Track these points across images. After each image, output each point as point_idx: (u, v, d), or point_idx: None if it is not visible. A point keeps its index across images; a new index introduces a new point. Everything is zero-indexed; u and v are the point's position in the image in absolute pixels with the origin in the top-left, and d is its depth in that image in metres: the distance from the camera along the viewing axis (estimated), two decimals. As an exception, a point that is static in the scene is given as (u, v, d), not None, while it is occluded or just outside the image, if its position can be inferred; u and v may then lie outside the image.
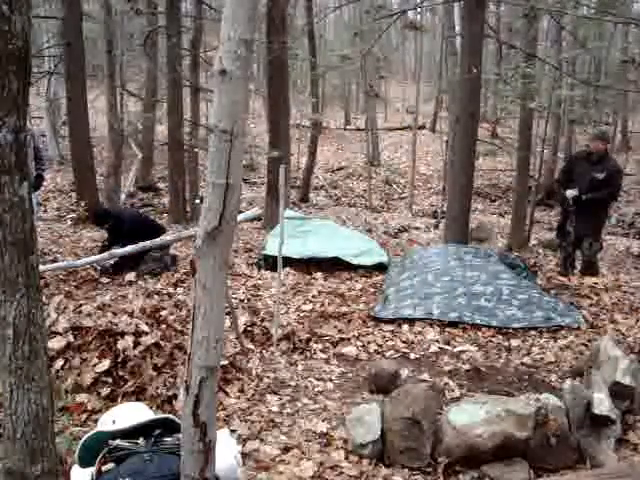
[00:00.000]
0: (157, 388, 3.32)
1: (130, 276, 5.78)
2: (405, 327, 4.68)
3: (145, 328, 3.60)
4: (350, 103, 27.14)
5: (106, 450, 2.09)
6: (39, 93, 16.46)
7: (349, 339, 4.47)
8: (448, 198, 8.01)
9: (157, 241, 5.94)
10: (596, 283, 5.55)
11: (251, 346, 4.18)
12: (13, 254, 1.80)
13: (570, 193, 5.94)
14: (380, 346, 4.39)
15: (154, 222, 7.11)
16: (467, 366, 4.01)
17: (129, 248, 5.76)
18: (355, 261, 6.45)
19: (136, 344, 3.47)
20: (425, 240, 9.75)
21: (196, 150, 10.84)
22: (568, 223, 6.14)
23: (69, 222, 9.82)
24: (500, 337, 4.53)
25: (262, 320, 4.65)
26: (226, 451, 2.32)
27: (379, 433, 3.00)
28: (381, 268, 6.41)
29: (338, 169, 17.70)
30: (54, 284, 5.46)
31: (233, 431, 3.07)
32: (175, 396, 3.27)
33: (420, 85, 17.65)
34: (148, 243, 5.78)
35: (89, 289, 5.46)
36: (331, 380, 3.85)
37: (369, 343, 4.43)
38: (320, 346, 4.33)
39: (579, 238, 6.08)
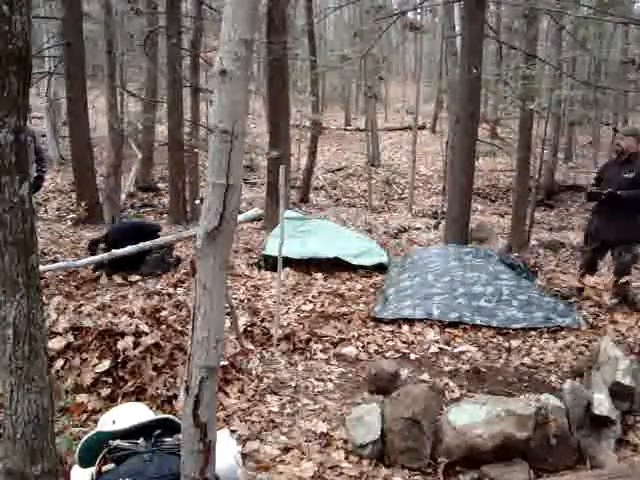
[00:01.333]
0: (157, 388, 3.31)
1: (132, 278, 5.79)
2: (405, 327, 4.68)
3: (145, 328, 3.60)
4: (350, 103, 27.15)
5: (106, 450, 2.09)
6: (39, 93, 16.46)
7: (349, 339, 4.47)
8: (448, 198, 8.01)
9: (157, 241, 5.93)
10: (597, 283, 5.54)
11: (251, 346, 4.18)
12: (13, 254, 1.80)
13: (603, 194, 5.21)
14: (380, 346, 4.39)
15: (149, 225, 7.11)
16: (467, 366, 4.01)
17: (129, 248, 5.75)
18: (355, 261, 6.45)
19: (136, 344, 3.47)
20: (425, 240, 9.75)
21: (196, 150, 10.84)
22: (592, 226, 5.54)
23: (69, 222, 9.82)
24: (500, 338, 4.53)
25: (262, 320, 4.65)
26: (226, 451, 2.32)
27: (379, 433, 3.00)
28: (381, 268, 6.41)
29: (338, 169, 17.70)
30: (54, 284, 5.46)
31: (233, 431, 3.07)
32: (175, 396, 3.27)
33: (420, 85, 17.65)
34: (148, 243, 5.77)
35: (89, 289, 5.46)
36: (331, 380, 3.85)
37: (369, 343, 4.43)
38: (320, 346, 4.33)
39: (606, 244, 5.49)
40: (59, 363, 3.40)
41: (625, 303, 5.19)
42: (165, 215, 10.90)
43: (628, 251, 5.29)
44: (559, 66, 10.45)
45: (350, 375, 3.95)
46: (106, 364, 3.36)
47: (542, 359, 4.13)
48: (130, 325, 3.59)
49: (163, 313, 3.97)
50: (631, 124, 20.44)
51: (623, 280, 5.25)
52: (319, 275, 6.13)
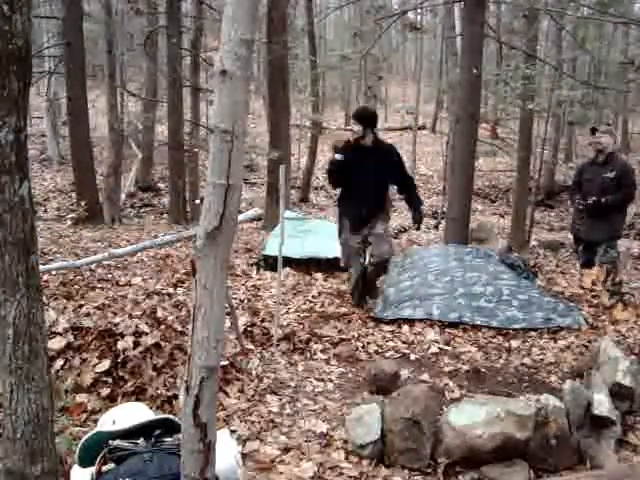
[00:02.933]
0: (157, 388, 3.31)
1: None
2: (405, 327, 4.68)
3: (145, 328, 3.60)
4: (350, 103, 27.15)
5: (106, 450, 2.09)
6: (39, 93, 16.47)
7: (349, 339, 4.47)
8: (448, 198, 8.02)
9: (157, 241, 5.93)
10: (595, 284, 5.55)
11: (251, 346, 4.18)
12: (13, 254, 1.80)
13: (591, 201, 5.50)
14: (380, 347, 4.39)
15: None
16: (467, 367, 4.00)
17: (129, 248, 5.76)
18: (355, 261, 6.44)
19: (136, 344, 3.47)
20: (425, 241, 9.76)
21: (196, 150, 10.86)
22: (579, 227, 5.78)
23: (69, 222, 9.83)
24: (500, 338, 4.52)
25: (262, 320, 4.64)
26: (226, 451, 2.31)
27: (379, 434, 3.00)
28: (381, 268, 6.40)
29: (338, 169, 17.67)
30: (54, 284, 5.45)
31: (233, 431, 3.07)
32: (175, 396, 3.27)
33: (420, 85, 17.66)
34: (148, 243, 5.77)
35: (88, 289, 5.46)
36: (331, 380, 3.85)
37: (369, 344, 4.43)
38: (320, 346, 4.33)
39: (593, 243, 5.70)
40: (59, 363, 3.40)
41: (622, 302, 5.25)
42: (165, 215, 10.90)
43: (613, 247, 5.64)
44: (559, 66, 10.45)
45: (350, 375, 3.95)
46: (106, 364, 3.36)
47: (542, 359, 4.12)
48: (130, 325, 3.59)
49: (163, 313, 3.97)
50: (631, 124, 20.47)
51: (617, 280, 5.42)
52: (319, 275, 6.13)
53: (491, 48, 14.16)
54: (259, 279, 5.97)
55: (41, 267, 4.27)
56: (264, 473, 2.81)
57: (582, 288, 5.47)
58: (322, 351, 4.27)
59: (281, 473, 2.81)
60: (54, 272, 5.65)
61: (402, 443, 2.96)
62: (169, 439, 2.13)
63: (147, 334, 3.56)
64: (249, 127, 17.59)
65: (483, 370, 3.95)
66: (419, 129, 17.40)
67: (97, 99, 12.47)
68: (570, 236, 7.09)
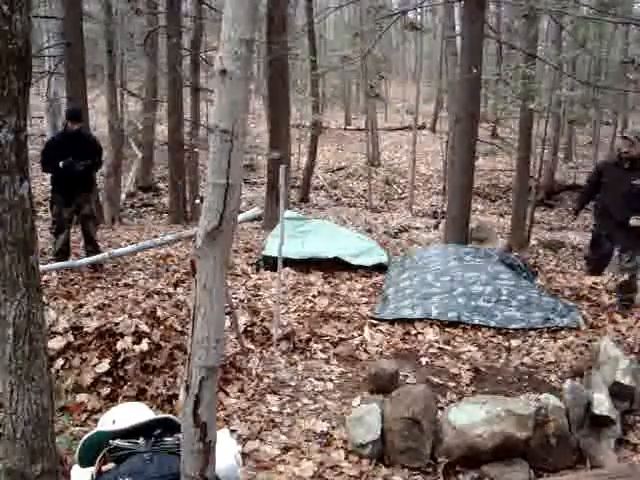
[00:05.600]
0: (157, 388, 3.32)
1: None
2: (405, 327, 4.68)
3: (145, 328, 3.60)
4: (350, 103, 27.15)
5: (106, 450, 2.09)
6: (39, 93, 16.45)
7: (349, 339, 4.47)
8: (448, 198, 8.02)
9: (157, 240, 5.93)
10: (595, 283, 5.55)
11: (251, 346, 4.18)
12: (13, 254, 1.80)
13: (635, 222, 4.99)
14: (380, 346, 4.39)
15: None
16: (467, 366, 4.00)
17: (129, 248, 5.75)
18: (355, 261, 6.45)
19: (136, 344, 3.47)
20: (425, 240, 9.76)
21: (196, 150, 10.86)
22: (601, 232, 5.39)
23: (69, 222, 9.79)
24: (500, 337, 4.53)
25: (262, 320, 4.64)
26: (226, 451, 2.32)
27: (379, 433, 3.00)
28: (381, 268, 6.41)
29: (338, 169, 17.70)
30: (54, 284, 5.45)
31: (233, 431, 3.07)
32: (175, 396, 3.27)
33: (420, 85, 17.66)
34: (148, 243, 5.77)
35: (88, 289, 5.46)
36: (331, 380, 3.85)
37: (369, 344, 4.42)
38: (320, 346, 4.33)
39: (613, 249, 5.38)
40: (59, 363, 3.40)
41: (632, 304, 5.11)
42: (165, 215, 10.90)
43: (638, 253, 5.16)
44: (559, 66, 10.45)
45: (350, 375, 3.95)
46: (106, 364, 3.36)
47: (542, 359, 4.13)
48: (130, 325, 3.59)
49: (163, 313, 3.97)
50: (631, 125, 20.45)
51: (634, 286, 5.15)
52: (319, 275, 6.13)
53: (491, 48, 14.16)
54: (259, 279, 5.97)
55: (41, 267, 4.27)
56: (264, 472, 2.81)
57: (581, 287, 5.47)
58: (322, 351, 4.27)
59: (281, 472, 2.81)
60: (54, 272, 5.65)
61: (402, 442, 2.96)
62: (169, 439, 2.14)
63: (147, 334, 3.56)
64: (249, 127, 17.59)
65: (483, 370, 3.95)
66: (419, 129, 17.39)
67: (97, 99, 12.47)
68: (571, 236, 7.05)
